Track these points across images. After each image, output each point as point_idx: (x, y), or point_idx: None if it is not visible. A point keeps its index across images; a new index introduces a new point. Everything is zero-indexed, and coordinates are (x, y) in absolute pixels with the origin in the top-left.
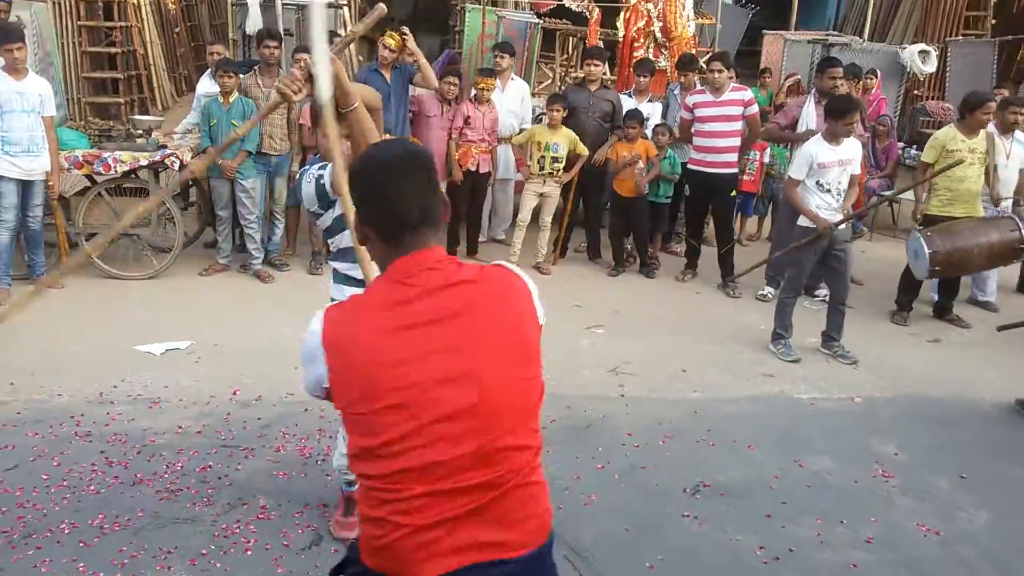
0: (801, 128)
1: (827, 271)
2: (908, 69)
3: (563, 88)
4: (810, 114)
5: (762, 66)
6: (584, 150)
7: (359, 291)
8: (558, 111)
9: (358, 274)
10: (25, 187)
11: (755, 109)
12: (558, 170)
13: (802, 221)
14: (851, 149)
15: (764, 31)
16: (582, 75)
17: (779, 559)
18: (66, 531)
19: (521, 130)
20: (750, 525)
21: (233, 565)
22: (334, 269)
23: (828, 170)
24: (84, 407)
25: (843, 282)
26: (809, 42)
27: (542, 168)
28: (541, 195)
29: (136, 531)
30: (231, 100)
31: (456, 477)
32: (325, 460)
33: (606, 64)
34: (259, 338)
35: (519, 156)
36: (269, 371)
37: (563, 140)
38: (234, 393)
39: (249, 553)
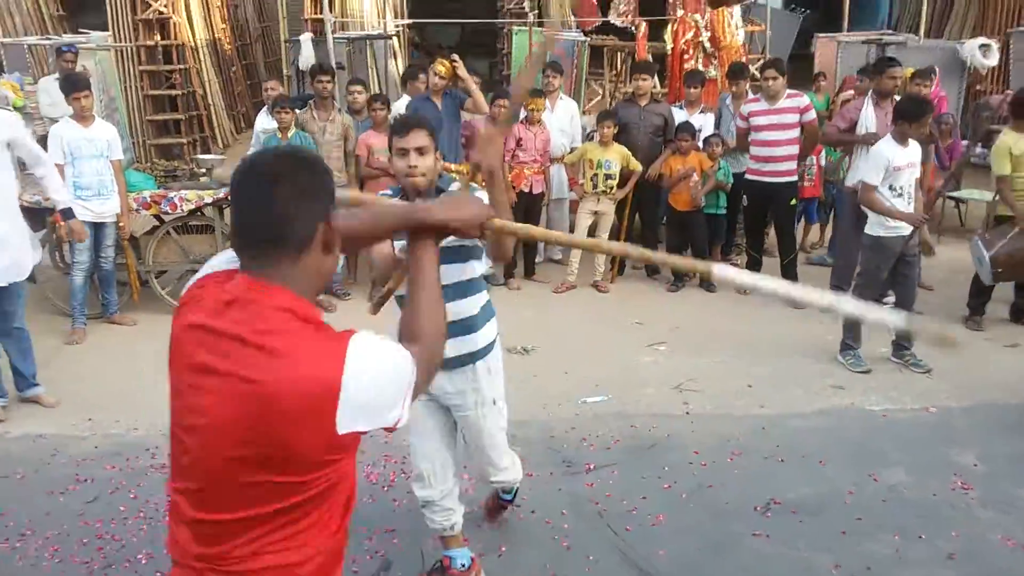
0: (860, 131)
1: (895, 277)
2: (969, 64)
3: (613, 104)
4: (869, 116)
5: (816, 70)
6: (637, 165)
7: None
8: (609, 128)
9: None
10: (97, 229)
11: (812, 115)
12: (612, 187)
13: (873, 229)
14: (917, 151)
15: (816, 34)
16: (631, 90)
17: None
18: (143, 561)
19: (572, 149)
20: (824, 542)
21: None
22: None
23: (901, 173)
24: (159, 440)
25: (912, 289)
26: (863, 43)
27: (595, 186)
28: (596, 213)
29: None
30: (289, 135)
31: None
32: (391, 487)
33: (656, 78)
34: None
35: (571, 175)
36: None
37: (615, 157)
38: None
39: None
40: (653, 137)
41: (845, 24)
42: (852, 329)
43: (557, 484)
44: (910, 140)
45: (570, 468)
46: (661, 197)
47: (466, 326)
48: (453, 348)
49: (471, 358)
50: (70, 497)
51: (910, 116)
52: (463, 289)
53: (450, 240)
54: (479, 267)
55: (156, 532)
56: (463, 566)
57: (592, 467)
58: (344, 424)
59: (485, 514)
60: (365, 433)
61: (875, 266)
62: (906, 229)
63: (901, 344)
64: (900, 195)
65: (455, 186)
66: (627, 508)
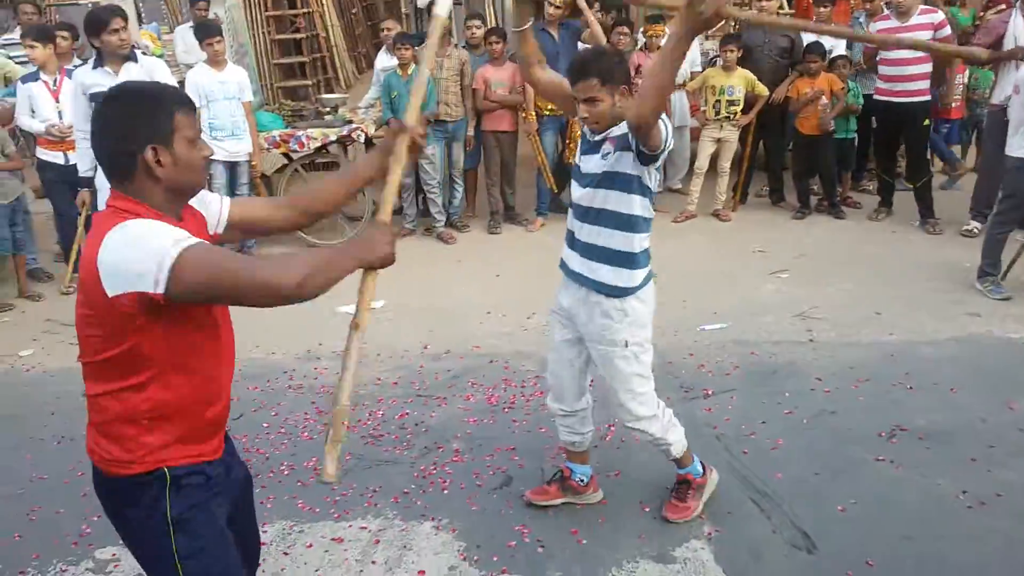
0: (1008, 45)
1: None
2: None
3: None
4: (1019, 27)
5: None
6: (763, 90)
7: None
8: (732, 52)
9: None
10: (232, 168)
11: (947, 31)
12: (735, 113)
13: (1016, 150)
14: None
15: None
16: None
17: (985, 504)
18: (285, 472)
19: (693, 75)
20: (952, 469)
21: (432, 502)
22: None
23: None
24: (295, 363)
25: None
26: None
27: (718, 113)
28: (718, 140)
29: (345, 472)
30: (409, 72)
31: None
32: (511, 408)
33: None
34: (444, 296)
35: (693, 102)
36: (455, 326)
37: (739, 82)
38: (425, 347)
39: (446, 492)
40: (779, 60)
41: None
42: (991, 254)
43: (674, 409)
44: None
45: (688, 394)
46: (787, 122)
47: (609, 257)
48: (592, 273)
49: (605, 290)
50: None
51: None
52: (618, 220)
53: (610, 164)
54: (639, 205)
55: (296, 446)
56: (581, 480)
57: (710, 392)
58: (110, 288)
59: (668, 503)
60: (146, 296)
61: (1020, 189)
62: None
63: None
64: None
65: None
66: (745, 432)
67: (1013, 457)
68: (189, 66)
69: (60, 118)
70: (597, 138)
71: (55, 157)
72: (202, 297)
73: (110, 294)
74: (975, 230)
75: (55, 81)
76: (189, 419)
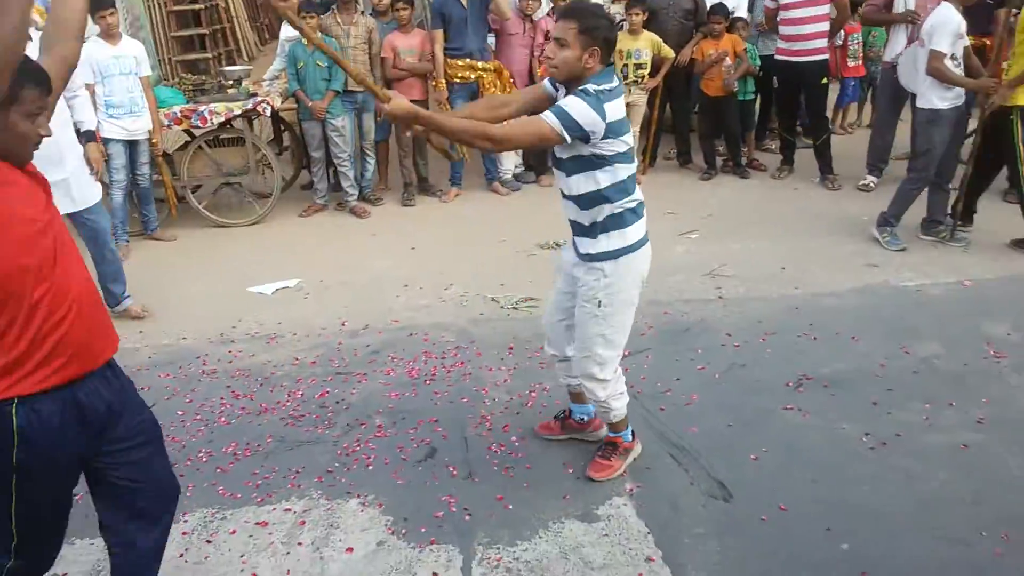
0: (899, 8)
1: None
2: None
3: None
4: None
5: None
6: (669, 52)
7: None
8: (637, 15)
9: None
10: (131, 147)
11: None
12: (642, 77)
13: (929, 102)
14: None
15: None
16: None
17: (886, 444)
18: (204, 459)
19: None
20: (855, 414)
21: (357, 479)
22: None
23: (962, 41)
24: (208, 347)
25: (953, 160)
26: None
27: (626, 76)
28: (627, 105)
29: (266, 455)
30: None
31: None
32: (432, 380)
33: None
34: (360, 271)
35: None
36: (372, 301)
37: (645, 45)
38: (342, 324)
39: (370, 467)
40: (683, 22)
41: None
42: (899, 208)
43: None
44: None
45: None
46: (692, 84)
47: (584, 230)
48: (577, 244)
49: (588, 258)
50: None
51: None
52: (581, 200)
53: (571, 152)
54: (603, 179)
55: (213, 432)
56: (581, 419)
57: (627, 353)
58: None
59: (593, 461)
60: None
61: (935, 143)
62: (961, 100)
63: (935, 219)
64: (959, 65)
65: None
66: (661, 389)
67: (909, 399)
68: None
69: None
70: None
71: None
72: None
73: None
74: (871, 184)
75: None
76: None
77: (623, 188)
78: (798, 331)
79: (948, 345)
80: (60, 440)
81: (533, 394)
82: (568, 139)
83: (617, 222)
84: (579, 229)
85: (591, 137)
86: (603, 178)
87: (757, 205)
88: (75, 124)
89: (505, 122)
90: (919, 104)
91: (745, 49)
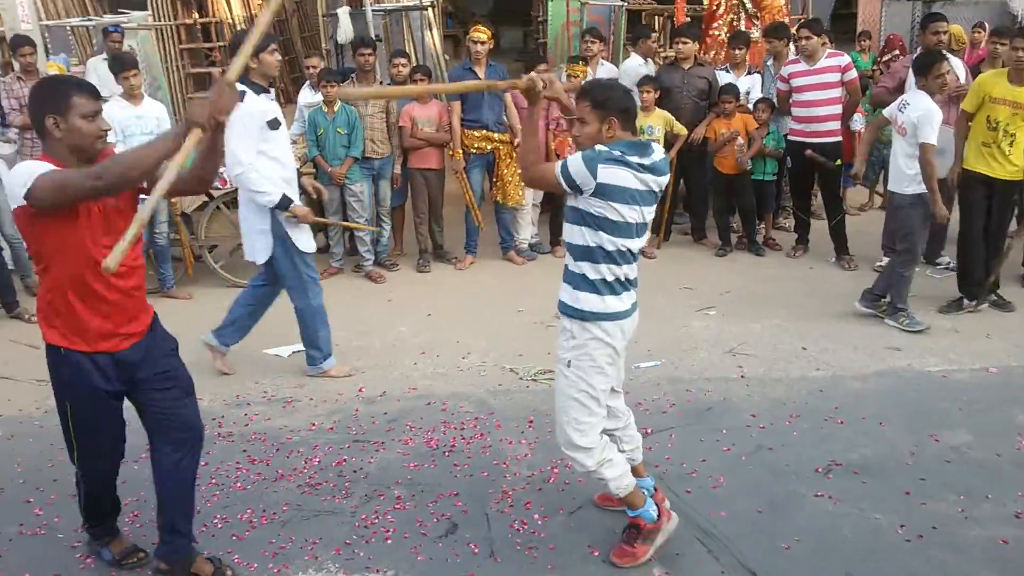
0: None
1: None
2: (1020, 18)
3: (656, 70)
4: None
5: (859, 29)
6: (682, 130)
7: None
8: (649, 92)
9: None
10: None
11: (854, 74)
12: None
13: (913, 187)
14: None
15: None
16: (673, 54)
17: (923, 537)
18: (219, 525)
19: None
20: (888, 503)
21: (375, 553)
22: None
23: (941, 129)
24: (224, 409)
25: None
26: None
27: None
28: None
29: (283, 524)
30: (335, 109)
31: None
32: (451, 452)
33: (697, 41)
34: (376, 336)
35: None
36: (389, 367)
37: (658, 122)
38: (360, 390)
39: (389, 541)
40: (697, 101)
41: None
42: (900, 293)
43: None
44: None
45: None
46: (707, 161)
47: (569, 277)
48: (562, 293)
49: (563, 308)
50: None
51: (922, 69)
52: (573, 250)
53: (572, 202)
54: (590, 237)
55: (229, 497)
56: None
57: (649, 431)
58: (13, 201)
59: (617, 546)
60: (32, 210)
61: (916, 226)
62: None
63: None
64: (941, 152)
65: None
66: (686, 471)
67: (943, 490)
68: (103, 99)
69: None
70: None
71: None
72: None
73: (13, 206)
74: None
75: None
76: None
77: (609, 256)
78: (824, 414)
79: (978, 434)
80: (100, 379)
81: (555, 470)
82: (564, 186)
83: (594, 286)
84: (566, 274)
85: (582, 190)
86: (591, 237)
87: (774, 283)
88: None
89: None
90: (901, 190)
91: (758, 129)
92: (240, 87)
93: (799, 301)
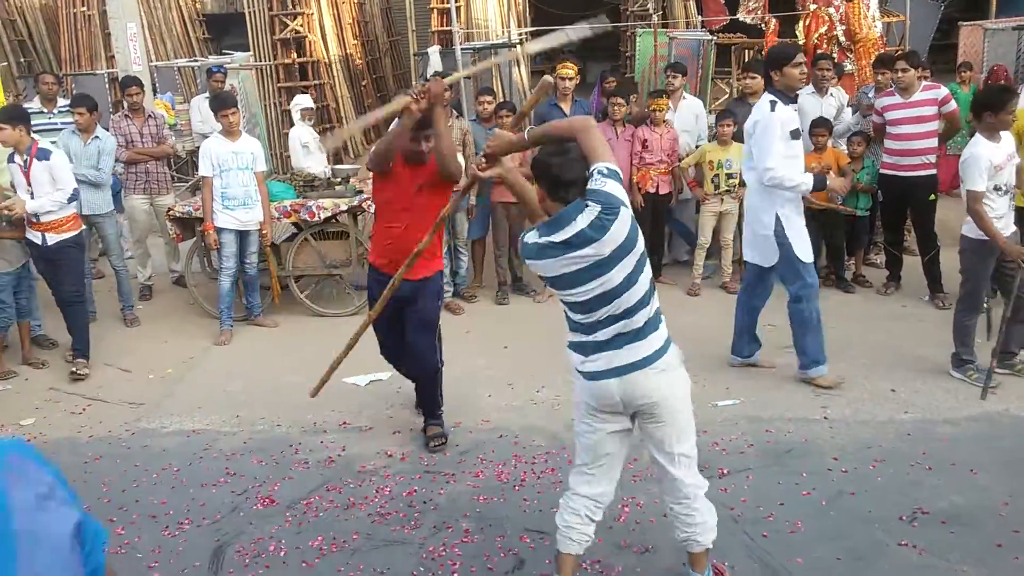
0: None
1: (1000, 279)
2: None
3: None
4: None
5: (960, 60)
6: None
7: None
8: (728, 126)
9: None
10: (242, 237)
11: (953, 106)
12: (734, 186)
13: (970, 231)
14: (1010, 142)
15: (960, 23)
16: (741, 88)
17: None
18: (291, 552)
19: (698, 147)
20: (978, 555)
21: None
22: None
23: (1002, 171)
24: (300, 436)
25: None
26: (1014, 28)
27: (717, 187)
28: (719, 214)
29: (352, 552)
30: None
31: None
32: (521, 486)
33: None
34: (453, 367)
35: (689, 179)
36: (464, 399)
37: (736, 155)
38: None
39: (455, 575)
40: None
41: (992, 10)
42: (964, 342)
43: None
44: (1001, 133)
45: (704, 472)
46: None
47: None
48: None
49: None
50: (222, 489)
51: (993, 105)
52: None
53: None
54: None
55: (300, 524)
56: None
57: (726, 472)
58: None
59: None
60: None
61: (976, 271)
62: (1008, 229)
63: (1009, 351)
64: (1004, 193)
65: None
66: (763, 514)
67: None
68: (204, 136)
69: (32, 198)
70: None
71: (33, 236)
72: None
73: None
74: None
75: (25, 162)
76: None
77: (570, 322)
78: (911, 459)
79: None
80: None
81: (626, 508)
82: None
83: (573, 347)
84: None
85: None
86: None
87: (863, 321)
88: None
89: None
90: (963, 231)
91: (851, 164)
92: (771, 97)
93: (889, 340)
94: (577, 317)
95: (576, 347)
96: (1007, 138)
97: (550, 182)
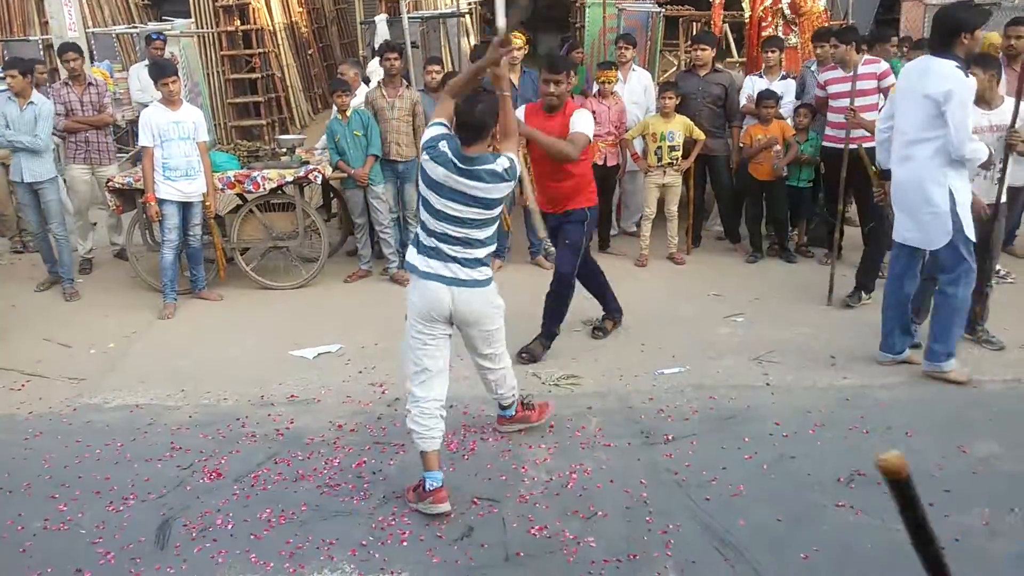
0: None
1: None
2: None
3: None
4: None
5: (902, 35)
6: (701, 135)
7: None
8: (670, 99)
9: None
10: (185, 208)
11: (891, 80)
12: (677, 159)
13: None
14: (1004, 110)
15: None
16: (690, 60)
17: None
18: (239, 524)
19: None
20: None
21: (391, 555)
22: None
23: (982, 137)
24: (248, 409)
25: (990, 261)
26: (954, 5)
27: (660, 159)
28: (663, 186)
29: (301, 524)
30: (348, 115)
31: None
32: (471, 455)
33: (715, 48)
34: (401, 338)
35: (633, 151)
36: None
37: (678, 127)
38: (383, 392)
39: (405, 544)
40: (713, 107)
41: None
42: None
43: (635, 454)
44: (1003, 98)
45: (648, 439)
46: (731, 167)
47: None
48: None
49: None
50: (167, 464)
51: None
52: None
53: None
54: None
55: (248, 497)
56: None
57: (670, 438)
58: None
59: None
60: None
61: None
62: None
63: (973, 322)
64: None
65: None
66: (707, 478)
67: (968, 503)
68: (144, 104)
69: None
70: None
71: None
72: None
73: None
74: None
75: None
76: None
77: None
78: (849, 424)
79: (1008, 446)
80: None
81: (574, 475)
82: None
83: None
84: None
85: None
86: None
87: (804, 291)
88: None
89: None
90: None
91: (795, 136)
92: (955, 63)
93: (829, 310)
94: (423, 206)
95: (416, 239)
96: (1008, 104)
97: (461, 128)
